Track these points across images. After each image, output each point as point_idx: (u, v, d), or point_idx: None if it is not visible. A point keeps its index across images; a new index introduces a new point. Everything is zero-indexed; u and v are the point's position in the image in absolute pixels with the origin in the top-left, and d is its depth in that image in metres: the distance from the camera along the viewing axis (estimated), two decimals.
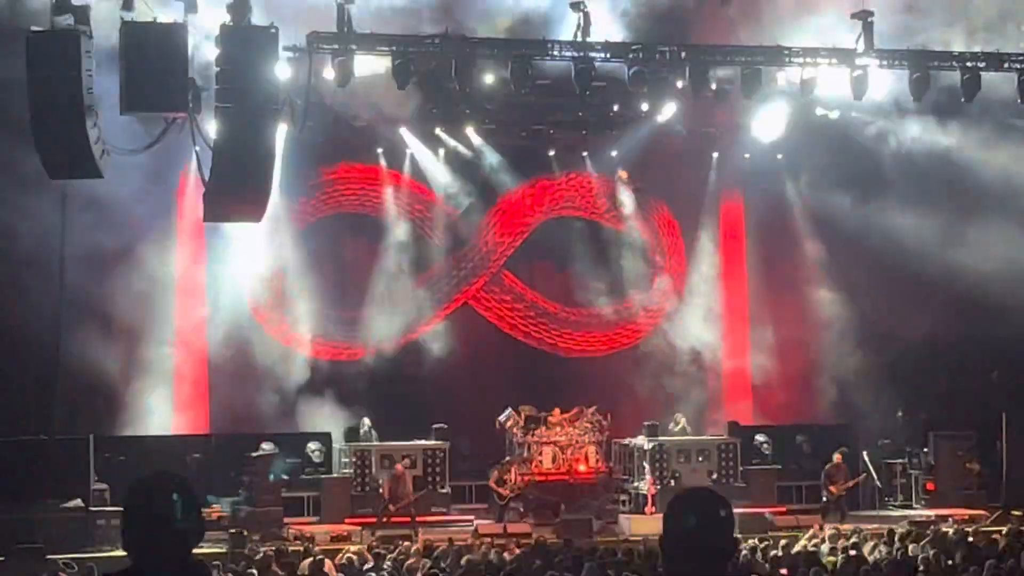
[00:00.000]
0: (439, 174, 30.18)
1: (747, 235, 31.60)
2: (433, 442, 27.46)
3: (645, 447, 27.58)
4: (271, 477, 25.51)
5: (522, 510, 26.90)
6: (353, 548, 21.90)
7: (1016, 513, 26.49)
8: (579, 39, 22.98)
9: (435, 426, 27.81)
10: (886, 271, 28.88)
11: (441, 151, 29.82)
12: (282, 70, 21.11)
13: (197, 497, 4.82)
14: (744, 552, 19.43)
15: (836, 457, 27.46)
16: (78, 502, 23.59)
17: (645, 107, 27.18)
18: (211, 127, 20.36)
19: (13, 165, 22.57)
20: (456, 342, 30.26)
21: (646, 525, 24.35)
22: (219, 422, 27.87)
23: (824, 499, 27.37)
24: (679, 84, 24.47)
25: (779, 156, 29.84)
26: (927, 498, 28.92)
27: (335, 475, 27.11)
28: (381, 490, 26.02)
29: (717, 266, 31.80)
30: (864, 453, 28.69)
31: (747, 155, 30.21)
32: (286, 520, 25.17)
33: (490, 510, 27.07)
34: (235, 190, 20.74)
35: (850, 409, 29.74)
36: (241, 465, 25.49)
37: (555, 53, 23.17)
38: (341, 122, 26.42)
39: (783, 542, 20.96)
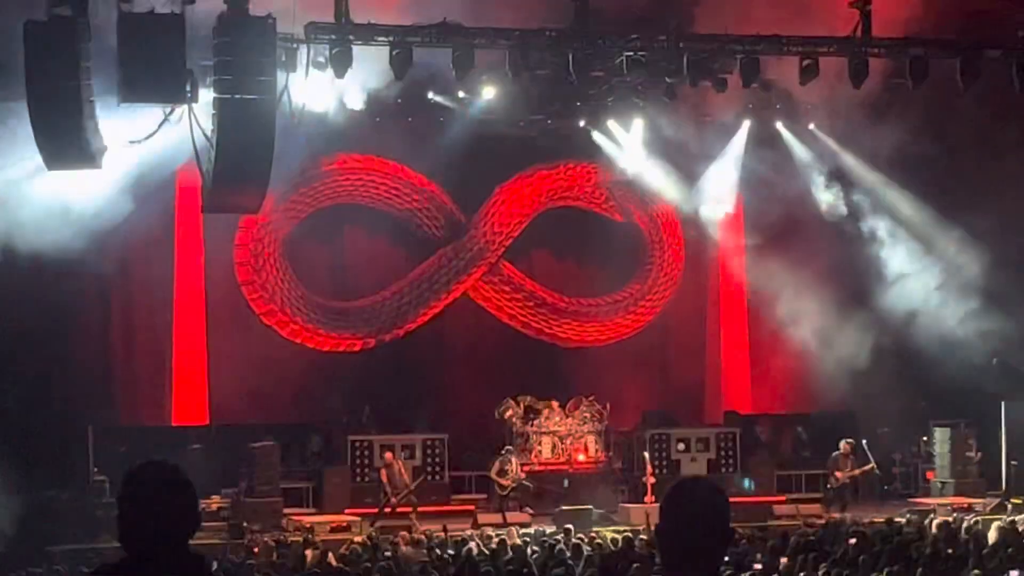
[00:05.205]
0: (439, 164, 30.05)
1: (745, 225, 31.52)
2: (433, 433, 27.50)
3: (644, 437, 27.59)
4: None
5: (522, 500, 26.89)
6: (355, 539, 21.93)
7: (1015, 501, 26.51)
8: (577, 28, 22.94)
9: (433, 417, 27.83)
10: (882, 258, 28.94)
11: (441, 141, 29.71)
12: (280, 60, 21.04)
13: (192, 486, 4.76)
14: (743, 541, 19.46)
15: (844, 446, 27.40)
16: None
17: (642, 97, 27.13)
18: (209, 118, 20.31)
19: None
20: (455, 332, 30.24)
21: (645, 515, 24.35)
22: (219, 413, 27.85)
23: (829, 486, 27.35)
24: (678, 74, 24.41)
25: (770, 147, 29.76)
26: (926, 487, 28.98)
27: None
28: (382, 480, 25.99)
29: (716, 256, 31.74)
30: (864, 442, 28.65)
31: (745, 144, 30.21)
32: (285, 511, 25.19)
33: (490, 500, 27.08)
34: (233, 181, 20.72)
35: (849, 398, 29.69)
36: (241, 456, 25.50)
37: (553, 42, 23.12)
38: (339, 112, 26.32)
39: (783, 531, 20.98)
